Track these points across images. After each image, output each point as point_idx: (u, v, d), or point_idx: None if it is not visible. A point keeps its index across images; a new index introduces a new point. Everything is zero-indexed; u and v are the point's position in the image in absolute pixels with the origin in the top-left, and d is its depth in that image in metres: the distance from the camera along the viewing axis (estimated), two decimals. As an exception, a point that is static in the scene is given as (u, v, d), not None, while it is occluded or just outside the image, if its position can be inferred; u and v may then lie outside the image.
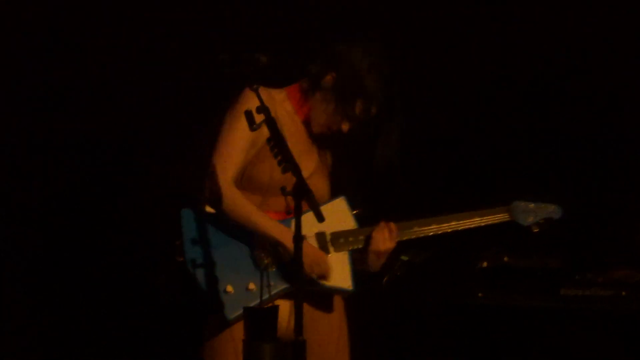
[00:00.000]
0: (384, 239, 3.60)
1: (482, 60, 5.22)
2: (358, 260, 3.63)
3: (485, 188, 4.97)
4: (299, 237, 3.11)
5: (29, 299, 5.04)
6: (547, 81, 5.20)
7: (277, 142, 3.18)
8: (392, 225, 3.63)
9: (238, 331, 3.37)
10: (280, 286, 3.46)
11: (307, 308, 3.40)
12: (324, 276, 3.51)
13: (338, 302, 3.71)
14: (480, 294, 4.32)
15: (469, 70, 5.20)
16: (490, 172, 5.11)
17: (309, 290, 3.44)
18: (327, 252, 3.56)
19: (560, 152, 5.11)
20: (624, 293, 4.13)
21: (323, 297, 3.62)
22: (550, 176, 5.03)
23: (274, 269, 3.48)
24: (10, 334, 5.01)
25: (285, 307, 3.44)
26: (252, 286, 3.44)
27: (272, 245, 3.47)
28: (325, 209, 3.24)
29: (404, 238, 3.65)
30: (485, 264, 4.30)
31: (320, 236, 3.56)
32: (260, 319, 3.14)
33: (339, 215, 3.60)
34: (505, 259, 4.27)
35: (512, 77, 5.21)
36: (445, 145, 5.18)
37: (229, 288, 3.41)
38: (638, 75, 5.05)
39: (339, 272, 3.57)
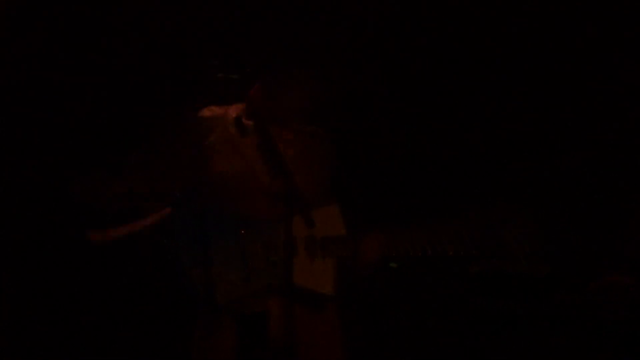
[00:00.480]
0: (372, 248, 3.63)
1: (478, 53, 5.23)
2: (346, 267, 3.66)
3: (477, 189, 4.98)
4: (289, 242, 3.15)
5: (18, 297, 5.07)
6: (546, 79, 5.21)
7: (269, 148, 3.21)
8: (381, 236, 3.65)
9: (230, 334, 3.39)
10: (267, 281, 3.49)
11: (299, 311, 3.42)
12: None
13: (331, 306, 3.73)
14: (471, 299, 4.34)
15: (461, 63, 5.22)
16: (481, 173, 5.12)
17: (298, 293, 3.46)
18: (315, 256, 3.58)
19: (553, 155, 5.11)
20: (615, 298, 4.14)
21: (314, 300, 3.64)
22: (543, 180, 5.04)
23: (263, 264, 3.51)
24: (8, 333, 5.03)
25: (276, 310, 3.46)
26: (240, 280, 3.46)
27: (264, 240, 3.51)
28: (317, 214, 3.27)
29: (392, 254, 3.68)
30: (476, 269, 4.31)
31: (310, 240, 3.59)
32: (251, 325, 3.17)
33: (330, 220, 3.63)
34: (496, 263, 4.29)
35: (511, 73, 5.21)
36: (436, 147, 5.18)
37: (219, 282, 3.44)
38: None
39: (322, 277, 3.59)
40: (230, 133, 3.47)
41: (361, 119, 4.74)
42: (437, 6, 5.13)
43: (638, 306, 4.10)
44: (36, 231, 5.10)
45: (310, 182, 3.66)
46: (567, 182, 5.00)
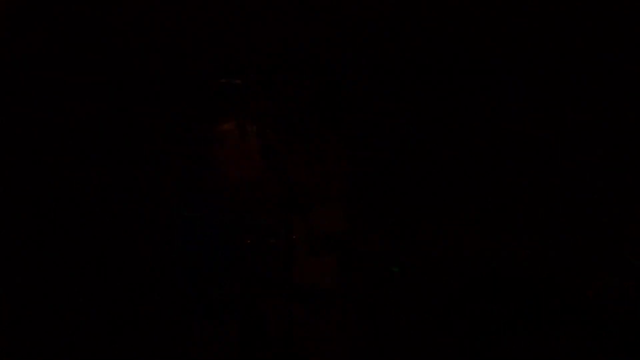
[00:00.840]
0: (373, 247, 3.65)
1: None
2: (347, 265, 3.67)
3: (477, 190, 4.99)
4: (291, 242, 3.16)
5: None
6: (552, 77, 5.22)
7: (271, 152, 3.23)
8: (376, 236, 3.67)
9: (230, 334, 3.40)
10: (269, 281, 3.51)
11: (300, 310, 3.44)
12: None
13: (332, 305, 3.74)
14: (471, 302, 4.34)
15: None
16: (481, 174, 5.12)
17: (299, 292, 3.47)
18: (317, 253, 3.61)
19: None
20: (614, 300, 4.14)
21: (315, 299, 3.66)
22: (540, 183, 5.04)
23: (264, 264, 3.53)
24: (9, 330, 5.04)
25: (277, 309, 3.47)
26: (242, 280, 3.48)
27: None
28: (320, 213, 3.29)
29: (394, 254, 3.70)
30: (476, 271, 4.31)
31: (312, 239, 3.60)
32: (251, 325, 3.18)
33: (333, 219, 3.64)
34: (496, 267, 4.29)
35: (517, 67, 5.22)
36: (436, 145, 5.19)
37: (220, 282, 3.46)
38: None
39: (323, 275, 3.61)
40: (236, 141, 3.50)
41: (363, 120, 4.74)
42: (438, 6, 5.13)
43: (638, 307, 4.11)
44: (36, 231, 5.11)
45: (313, 182, 3.67)
46: (567, 184, 5.00)
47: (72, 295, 5.08)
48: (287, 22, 4.82)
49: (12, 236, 5.08)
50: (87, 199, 5.16)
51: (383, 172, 4.74)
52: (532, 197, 4.46)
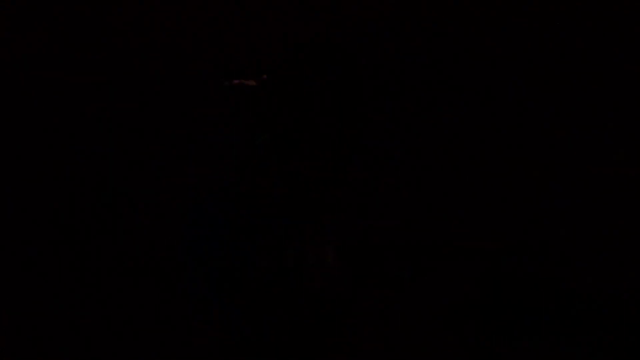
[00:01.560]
0: (380, 253, 3.65)
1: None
2: (356, 270, 3.67)
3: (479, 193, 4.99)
4: (301, 249, 3.16)
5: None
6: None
7: (281, 162, 3.24)
8: (386, 242, 3.68)
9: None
10: (278, 286, 3.51)
11: (309, 315, 3.45)
12: None
13: (340, 309, 3.74)
14: (475, 300, 4.34)
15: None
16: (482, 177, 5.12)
17: (308, 297, 3.48)
18: (326, 260, 3.61)
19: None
20: (618, 304, 4.15)
21: (324, 303, 3.66)
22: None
23: (274, 270, 3.53)
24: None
25: (287, 314, 3.47)
26: (250, 284, 3.48)
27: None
28: (331, 218, 3.29)
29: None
30: (478, 269, 4.31)
31: (321, 245, 3.60)
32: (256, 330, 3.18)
33: (344, 224, 3.64)
34: (503, 265, 4.30)
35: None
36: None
37: (227, 292, 3.46)
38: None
39: (333, 279, 3.61)
40: (244, 144, 3.50)
41: (375, 122, 4.75)
42: (437, 6, 5.13)
43: (637, 306, 4.11)
44: (36, 230, 5.11)
45: (324, 187, 3.67)
46: (572, 184, 5.01)
47: (69, 294, 5.08)
48: (291, 22, 4.83)
49: (12, 236, 5.08)
50: (87, 200, 5.15)
51: (394, 176, 4.75)
52: (539, 198, 4.46)
